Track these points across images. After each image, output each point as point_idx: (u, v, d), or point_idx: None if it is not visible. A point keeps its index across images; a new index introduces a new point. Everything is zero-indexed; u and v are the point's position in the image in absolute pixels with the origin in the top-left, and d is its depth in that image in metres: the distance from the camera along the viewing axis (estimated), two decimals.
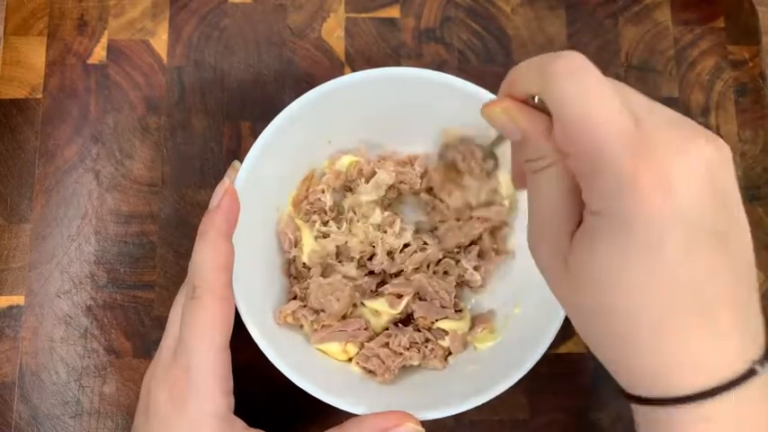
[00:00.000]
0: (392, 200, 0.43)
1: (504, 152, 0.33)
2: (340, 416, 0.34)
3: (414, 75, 0.38)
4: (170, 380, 0.33)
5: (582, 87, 0.23)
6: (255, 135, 0.37)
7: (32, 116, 0.46)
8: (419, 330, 0.41)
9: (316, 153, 0.42)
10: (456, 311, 0.41)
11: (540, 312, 0.37)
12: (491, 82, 0.47)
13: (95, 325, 0.43)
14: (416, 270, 0.41)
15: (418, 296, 0.41)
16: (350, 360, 0.40)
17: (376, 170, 0.42)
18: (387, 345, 0.40)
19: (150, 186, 0.45)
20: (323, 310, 0.40)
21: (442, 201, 0.41)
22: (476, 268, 0.42)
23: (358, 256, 0.41)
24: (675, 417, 0.24)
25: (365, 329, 0.40)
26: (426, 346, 0.40)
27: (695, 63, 0.48)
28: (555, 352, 0.43)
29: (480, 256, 0.42)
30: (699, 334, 0.24)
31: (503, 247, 0.42)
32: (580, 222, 0.26)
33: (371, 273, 0.41)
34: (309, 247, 0.41)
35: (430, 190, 0.43)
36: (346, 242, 0.41)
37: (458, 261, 0.42)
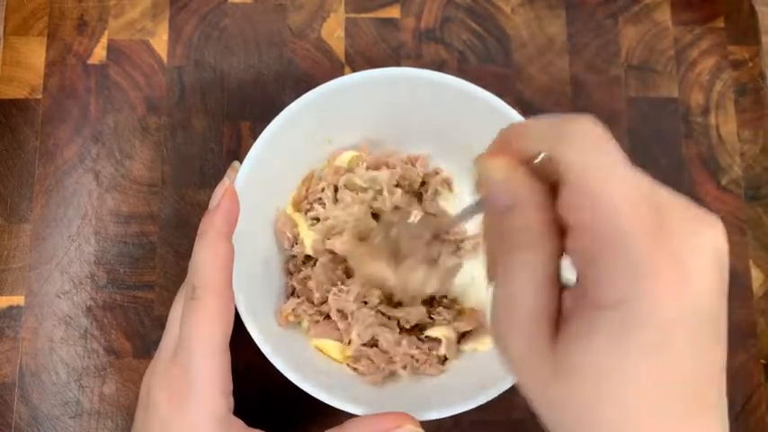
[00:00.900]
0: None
1: None
2: (340, 416, 0.34)
3: (414, 75, 0.38)
4: (170, 380, 0.33)
5: (605, 157, 0.22)
6: (255, 135, 0.37)
7: (32, 116, 0.46)
8: (413, 335, 0.41)
9: (316, 153, 0.42)
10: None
11: None
12: (491, 82, 0.47)
13: (95, 325, 0.43)
14: None
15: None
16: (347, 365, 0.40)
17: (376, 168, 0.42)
18: (376, 344, 0.40)
19: (150, 186, 0.45)
20: (324, 302, 0.40)
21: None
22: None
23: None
24: None
25: None
26: (420, 353, 0.40)
27: (695, 63, 0.48)
28: None
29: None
30: (692, 422, 0.22)
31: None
32: (558, 309, 0.23)
33: None
34: (310, 239, 0.41)
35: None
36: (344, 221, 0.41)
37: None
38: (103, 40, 0.47)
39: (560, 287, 0.24)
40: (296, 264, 0.42)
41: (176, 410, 0.32)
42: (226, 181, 0.36)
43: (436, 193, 0.43)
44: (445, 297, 0.42)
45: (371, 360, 0.39)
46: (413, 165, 0.43)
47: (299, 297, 0.41)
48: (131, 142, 0.45)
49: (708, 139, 0.47)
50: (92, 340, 0.43)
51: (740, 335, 0.44)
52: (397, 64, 0.47)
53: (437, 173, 0.43)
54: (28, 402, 0.42)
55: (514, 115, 0.37)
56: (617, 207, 0.21)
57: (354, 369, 0.40)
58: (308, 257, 0.42)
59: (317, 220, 0.42)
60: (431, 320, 0.41)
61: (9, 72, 0.46)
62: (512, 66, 0.48)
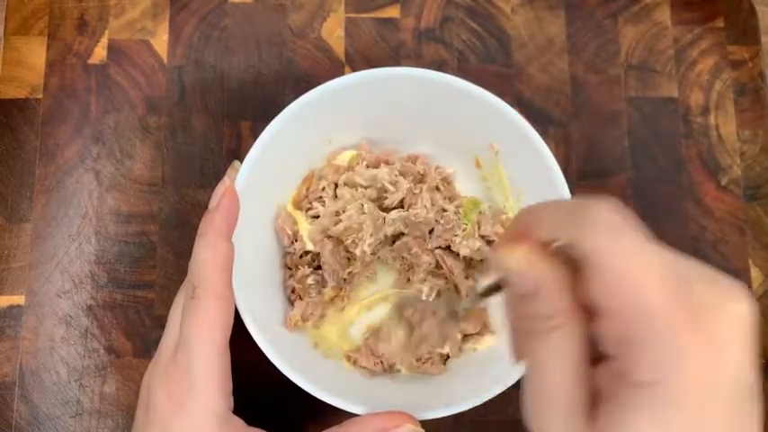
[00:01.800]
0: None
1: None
2: (340, 415, 0.34)
3: (413, 75, 0.38)
4: (170, 379, 0.33)
5: (625, 242, 0.22)
6: (255, 135, 0.37)
7: (33, 116, 0.46)
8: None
9: (316, 153, 0.42)
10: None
11: None
12: (491, 82, 0.47)
13: (96, 325, 0.43)
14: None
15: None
16: (348, 358, 0.41)
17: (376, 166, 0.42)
18: (377, 332, 0.40)
19: (150, 186, 0.45)
20: (341, 289, 0.41)
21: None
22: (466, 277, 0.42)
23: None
24: None
25: None
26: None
27: (695, 63, 0.48)
28: None
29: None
30: None
31: None
32: (592, 389, 0.23)
33: None
34: (307, 230, 0.41)
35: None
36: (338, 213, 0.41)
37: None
38: (104, 40, 0.47)
39: (591, 365, 0.23)
40: (293, 260, 0.42)
41: (176, 410, 0.32)
42: (226, 181, 0.36)
43: (437, 189, 0.43)
44: None
45: (371, 350, 0.39)
46: (413, 163, 0.43)
47: (301, 298, 0.41)
48: (132, 142, 0.45)
49: (708, 139, 0.47)
50: (92, 340, 0.43)
51: None
52: (397, 64, 0.47)
53: (437, 169, 0.43)
54: (28, 402, 0.42)
55: (514, 115, 0.37)
56: (643, 292, 0.21)
57: (354, 362, 0.40)
58: (305, 253, 0.42)
59: (318, 218, 0.42)
60: None
61: (9, 72, 0.46)
62: (512, 66, 0.48)
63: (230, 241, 0.35)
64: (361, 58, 0.47)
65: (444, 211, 0.41)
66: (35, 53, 0.46)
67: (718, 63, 0.48)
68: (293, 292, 0.41)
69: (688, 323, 0.21)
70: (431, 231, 0.42)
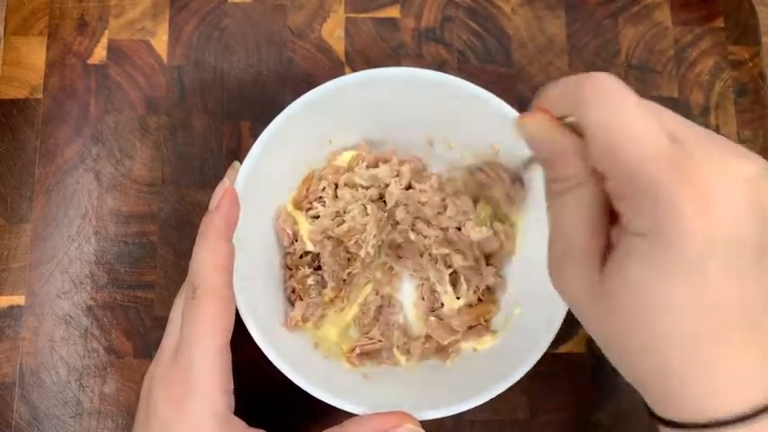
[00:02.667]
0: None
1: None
2: (340, 416, 0.34)
3: (414, 75, 0.38)
4: (170, 380, 0.33)
5: (618, 109, 0.23)
6: (255, 135, 0.37)
7: (32, 116, 0.46)
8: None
9: (316, 153, 0.42)
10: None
11: (539, 313, 0.37)
12: (491, 82, 0.47)
13: (95, 325, 0.43)
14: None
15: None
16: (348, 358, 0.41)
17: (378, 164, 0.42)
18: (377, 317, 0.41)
19: (150, 186, 0.45)
20: (341, 290, 0.41)
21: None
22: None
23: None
24: None
25: None
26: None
27: (695, 63, 0.48)
28: (555, 352, 0.43)
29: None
30: (744, 353, 0.23)
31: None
32: (607, 245, 0.25)
33: None
34: (307, 231, 0.41)
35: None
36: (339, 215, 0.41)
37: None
38: (104, 40, 0.47)
39: (609, 223, 0.25)
40: (293, 260, 0.42)
41: (177, 410, 0.32)
42: (226, 181, 0.36)
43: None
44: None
45: (373, 342, 0.40)
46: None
47: (301, 298, 0.41)
48: (131, 142, 0.45)
49: None
50: (92, 340, 0.43)
51: None
52: (397, 64, 0.47)
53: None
54: (28, 402, 0.42)
55: (514, 115, 0.37)
56: (636, 153, 0.23)
57: (357, 358, 0.40)
58: (305, 254, 0.42)
59: (318, 218, 0.42)
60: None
61: (9, 72, 0.46)
62: (512, 66, 0.48)
63: (230, 242, 0.35)
64: (361, 58, 0.47)
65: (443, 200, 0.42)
66: (35, 53, 0.46)
67: (719, 63, 0.48)
68: (293, 292, 0.41)
69: (680, 180, 0.22)
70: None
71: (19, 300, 0.43)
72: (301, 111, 0.38)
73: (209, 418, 0.32)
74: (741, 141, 0.47)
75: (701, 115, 0.47)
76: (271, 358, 0.35)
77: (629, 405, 0.43)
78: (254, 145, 0.37)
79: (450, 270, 0.41)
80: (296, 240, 0.41)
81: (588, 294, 0.25)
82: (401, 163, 0.43)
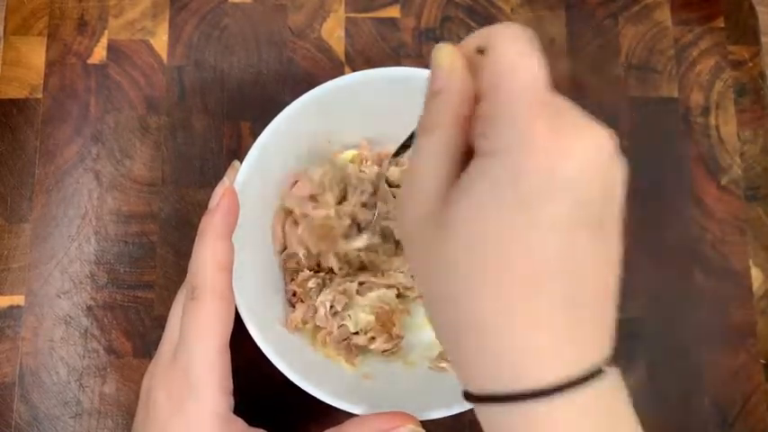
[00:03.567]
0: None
1: None
2: (340, 416, 0.34)
3: (413, 74, 0.38)
4: (170, 380, 0.33)
5: (524, 45, 0.24)
6: (255, 135, 0.37)
7: (32, 116, 0.46)
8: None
9: (315, 153, 0.42)
10: None
11: None
12: None
13: (95, 325, 0.43)
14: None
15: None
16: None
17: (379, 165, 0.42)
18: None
19: (150, 186, 0.45)
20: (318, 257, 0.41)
21: None
22: None
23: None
24: (516, 415, 0.23)
25: None
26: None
27: (695, 63, 0.48)
28: None
29: None
30: (558, 319, 0.22)
31: None
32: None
33: None
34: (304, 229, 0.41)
35: None
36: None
37: None
38: (103, 40, 0.47)
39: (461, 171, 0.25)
40: (291, 265, 0.42)
41: (177, 410, 0.32)
42: (225, 181, 0.36)
43: None
44: None
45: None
46: None
47: (302, 301, 0.41)
48: (131, 142, 0.45)
49: (708, 139, 0.47)
50: (92, 340, 0.43)
51: (740, 335, 0.44)
52: (398, 64, 0.47)
53: None
54: (28, 402, 0.42)
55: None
56: (519, 81, 0.23)
57: (345, 350, 0.40)
58: (295, 255, 0.42)
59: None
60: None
61: (9, 72, 0.46)
62: None
63: (230, 241, 0.35)
64: (361, 58, 0.47)
65: None
66: (35, 53, 0.46)
67: (719, 63, 0.48)
68: (294, 295, 0.41)
69: (546, 121, 0.22)
70: None
71: (19, 300, 0.43)
72: (300, 111, 0.38)
73: (208, 417, 0.32)
74: (741, 141, 0.47)
75: (701, 115, 0.47)
76: (270, 358, 0.35)
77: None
78: (254, 145, 0.37)
79: None
80: (287, 247, 0.41)
81: (426, 220, 0.25)
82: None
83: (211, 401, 0.32)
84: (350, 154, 0.43)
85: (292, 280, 0.42)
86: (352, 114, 0.40)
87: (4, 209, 0.44)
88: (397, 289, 0.42)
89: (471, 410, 0.35)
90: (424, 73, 0.38)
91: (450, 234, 0.24)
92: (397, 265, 0.42)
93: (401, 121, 0.41)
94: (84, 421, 0.42)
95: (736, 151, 0.47)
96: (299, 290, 0.41)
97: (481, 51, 0.26)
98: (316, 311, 0.40)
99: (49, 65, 0.46)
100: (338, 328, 0.40)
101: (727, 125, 0.47)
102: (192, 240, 0.35)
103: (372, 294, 0.41)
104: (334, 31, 0.48)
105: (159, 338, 0.36)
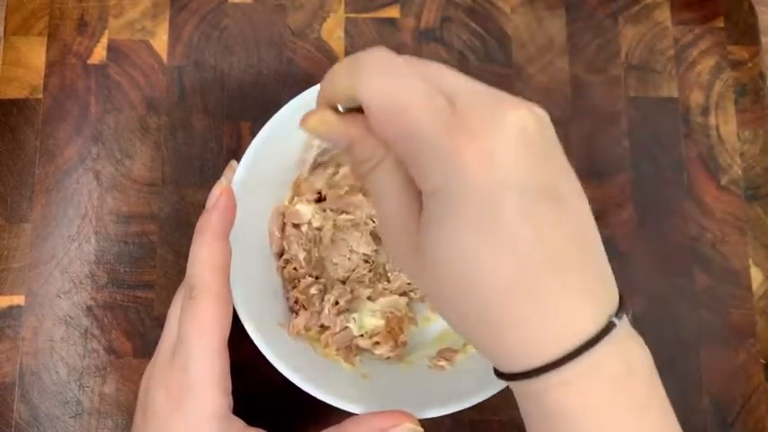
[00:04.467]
0: None
1: None
2: (339, 415, 0.34)
3: None
4: (168, 380, 0.33)
5: (387, 77, 0.24)
6: (255, 135, 0.37)
7: (32, 116, 0.46)
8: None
9: (313, 152, 0.42)
10: None
11: None
12: (491, 82, 0.47)
13: (95, 325, 0.43)
14: None
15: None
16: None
17: None
18: None
19: (150, 186, 0.45)
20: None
21: None
22: None
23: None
24: (537, 387, 0.25)
25: None
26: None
27: (695, 63, 0.48)
28: None
29: None
30: (550, 294, 0.24)
31: None
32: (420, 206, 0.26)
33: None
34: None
35: None
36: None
37: None
38: (104, 40, 0.47)
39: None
40: (288, 271, 0.42)
41: (175, 410, 0.32)
42: (222, 180, 0.36)
43: None
44: None
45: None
46: None
47: (305, 308, 0.41)
48: (131, 142, 0.45)
49: (708, 139, 0.47)
50: (92, 340, 0.43)
51: (740, 335, 0.44)
52: None
53: None
54: (28, 402, 0.42)
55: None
56: (413, 117, 0.23)
57: (345, 351, 0.40)
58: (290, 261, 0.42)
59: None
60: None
61: (9, 72, 0.46)
62: (512, 66, 0.48)
63: (227, 241, 0.35)
64: None
65: None
66: (35, 53, 0.46)
67: (719, 63, 0.48)
68: (296, 302, 0.41)
69: (455, 136, 0.23)
70: None
71: (19, 300, 0.43)
72: (298, 110, 0.37)
73: (207, 418, 0.32)
74: (741, 141, 0.47)
75: (701, 115, 0.47)
76: (269, 358, 0.35)
77: None
78: (251, 144, 0.37)
79: None
80: (286, 249, 0.41)
81: (408, 253, 0.26)
82: None
83: (210, 401, 0.32)
84: None
85: (294, 287, 0.41)
86: None
87: (4, 209, 0.44)
88: (407, 295, 0.42)
89: (471, 410, 0.35)
90: None
91: (430, 263, 0.25)
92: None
93: None
94: (84, 421, 0.42)
95: (736, 151, 0.47)
96: (301, 297, 0.41)
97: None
98: (320, 315, 0.40)
99: (49, 65, 0.46)
100: (342, 330, 0.40)
101: (727, 125, 0.47)
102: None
103: (384, 300, 0.41)
104: (333, 32, 0.48)
105: (159, 338, 0.36)
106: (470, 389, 0.36)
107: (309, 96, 0.37)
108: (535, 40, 0.48)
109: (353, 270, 0.41)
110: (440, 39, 0.48)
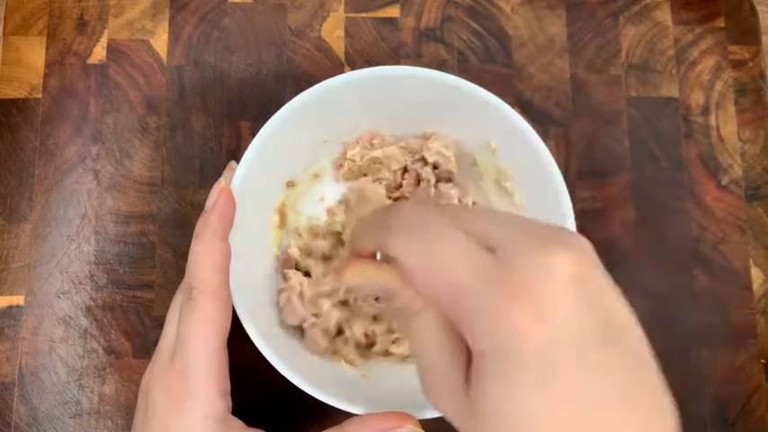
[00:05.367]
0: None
1: None
2: (339, 415, 0.34)
3: (411, 74, 0.38)
4: (167, 381, 0.33)
5: (420, 233, 0.23)
6: (255, 135, 0.37)
7: (32, 116, 0.46)
8: None
9: (313, 152, 0.42)
10: None
11: None
12: (491, 82, 0.47)
13: (95, 325, 0.43)
14: None
15: None
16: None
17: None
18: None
19: (150, 186, 0.45)
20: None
21: None
22: None
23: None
24: None
25: None
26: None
27: (695, 63, 0.48)
28: None
29: None
30: (618, 420, 0.22)
31: None
32: (469, 360, 0.24)
33: None
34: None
35: None
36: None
37: None
38: (103, 40, 0.47)
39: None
40: (287, 263, 0.42)
41: (174, 412, 0.32)
42: (221, 181, 0.36)
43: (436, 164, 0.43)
44: None
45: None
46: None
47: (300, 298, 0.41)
48: (131, 142, 0.45)
49: (708, 139, 0.47)
50: (91, 340, 0.43)
51: (740, 335, 0.44)
52: (397, 63, 0.47)
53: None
54: (27, 402, 0.42)
55: (513, 115, 0.37)
56: (453, 278, 0.22)
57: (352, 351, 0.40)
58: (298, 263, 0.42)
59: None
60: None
61: (9, 72, 0.46)
62: (512, 65, 0.47)
63: (226, 241, 0.35)
64: (361, 58, 0.47)
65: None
66: (34, 53, 0.46)
67: (719, 63, 0.48)
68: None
69: (507, 294, 0.22)
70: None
71: (18, 300, 0.43)
72: (297, 110, 0.37)
73: (207, 418, 0.32)
74: (741, 141, 0.47)
75: (701, 115, 0.47)
76: (269, 359, 0.35)
77: None
78: (251, 144, 0.37)
79: None
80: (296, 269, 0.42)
81: (462, 409, 0.25)
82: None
83: (209, 403, 0.32)
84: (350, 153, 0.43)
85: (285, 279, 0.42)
86: (349, 114, 0.40)
87: (4, 209, 0.44)
88: None
89: None
90: (423, 72, 0.38)
91: (485, 419, 0.23)
92: None
93: (399, 120, 0.42)
94: (84, 421, 0.42)
95: (736, 151, 0.47)
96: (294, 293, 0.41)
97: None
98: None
99: (49, 65, 0.46)
100: (338, 335, 0.40)
101: (727, 125, 0.47)
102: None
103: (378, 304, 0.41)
104: (333, 31, 0.47)
105: (158, 339, 0.36)
106: None
107: (309, 96, 0.37)
108: (535, 39, 0.48)
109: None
110: (440, 38, 0.48)
